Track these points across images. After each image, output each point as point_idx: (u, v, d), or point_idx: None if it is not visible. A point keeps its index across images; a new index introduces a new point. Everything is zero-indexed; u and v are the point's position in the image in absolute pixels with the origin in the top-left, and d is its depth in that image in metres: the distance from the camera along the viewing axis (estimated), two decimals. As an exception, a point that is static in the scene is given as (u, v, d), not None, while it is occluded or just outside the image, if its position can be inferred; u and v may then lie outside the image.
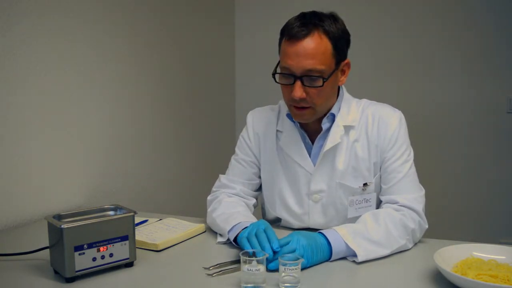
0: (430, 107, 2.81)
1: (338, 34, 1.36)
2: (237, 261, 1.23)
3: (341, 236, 1.27)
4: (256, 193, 1.62)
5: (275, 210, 1.56)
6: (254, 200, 1.60)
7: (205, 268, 1.20)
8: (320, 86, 1.34)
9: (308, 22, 1.34)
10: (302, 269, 1.18)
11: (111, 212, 1.24)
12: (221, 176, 1.61)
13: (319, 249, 1.24)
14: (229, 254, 1.31)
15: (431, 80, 2.84)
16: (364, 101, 1.52)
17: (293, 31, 1.34)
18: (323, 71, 1.34)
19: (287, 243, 1.22)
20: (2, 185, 1.56)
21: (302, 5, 3.02)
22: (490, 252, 1.21)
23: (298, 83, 1.34)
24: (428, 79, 2.84)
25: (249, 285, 1.08)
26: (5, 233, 1.52)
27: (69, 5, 1.77)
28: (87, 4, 1.86)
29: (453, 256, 1.18)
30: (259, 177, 1.59)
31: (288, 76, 1.36)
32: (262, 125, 1.57)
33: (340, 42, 1.37)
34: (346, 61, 1.42)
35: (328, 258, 1.27)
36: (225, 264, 1.22)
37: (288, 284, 1.09)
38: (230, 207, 1.48)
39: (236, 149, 1.62)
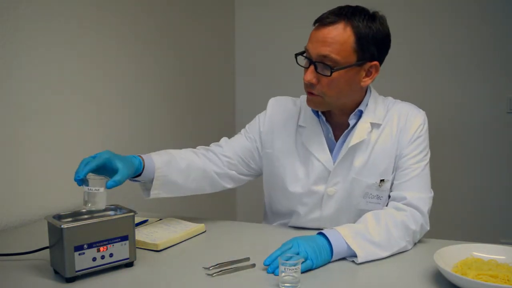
0: (430, 107, 2.79)
1: (366, 31, 1.35)
2: (237, 261, 1.23)
3: (343, 236, 1.27)
4: (240, 176, 1.59)
5: (288, 203, 1.54)
6: (225, 171, 1.57)
7: (205, 268, 1.20)
8: (328, 76, 1.34)
9: (340, 12, 1.36)
10: (307, 271, 1.18)
11: (111, 212, 1.24)
12: (222, 139, 1.63)
13: (321, 250, 1.24)
14: (229, 254, 1.31)
15: (431, 81, 2.84)
16: (390, 99, 1.54)
17: (321, 17, 1.37)
18: (337, 62, 1.34)
19: (290, 248, 1.22)
20: (2, 185, 1.55)
21: (302, 5, 3.03)
22: (490, 252, 1.21)
23: (312, 67, 1.37)
24: (427, 79, 2.84)
25: (88, 204, 1.18)
26: (5, 233, 1.52)
27: (69, 6, 1.77)
28: (87, 2, 1.86)
29: (453, 256, 1.18)
30: (253, 167, 1.59)
31: (306, 59, 1.40)
32: (282, 118, 1.56)
33: (366, 40, 1.35)
34: (373, 62, 1.39)
35: (330, 258, 1.26)
36: (225, 264, 1.22)
37: (288, 284, 1.09)
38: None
39: (247, 126, 1.63)
